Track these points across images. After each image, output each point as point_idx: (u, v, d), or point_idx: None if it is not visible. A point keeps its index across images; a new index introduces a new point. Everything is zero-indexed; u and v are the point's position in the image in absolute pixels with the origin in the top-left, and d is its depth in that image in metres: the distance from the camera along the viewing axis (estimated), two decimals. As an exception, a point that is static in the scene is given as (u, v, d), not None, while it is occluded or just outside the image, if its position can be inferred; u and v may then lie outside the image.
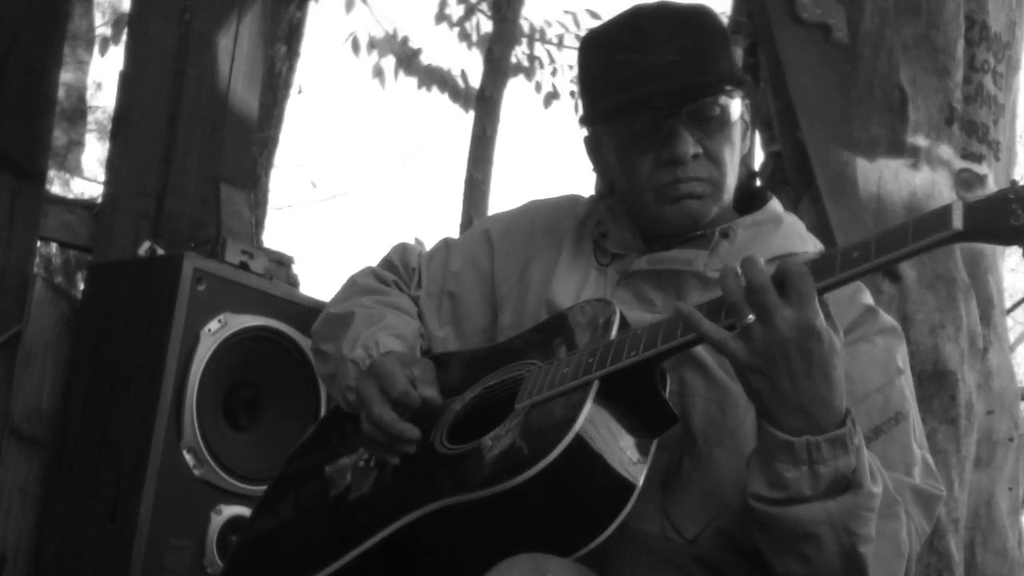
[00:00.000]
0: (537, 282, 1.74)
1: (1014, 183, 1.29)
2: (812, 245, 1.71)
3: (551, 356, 1.57)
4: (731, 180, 1.66)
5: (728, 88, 1.62)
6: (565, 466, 1.36)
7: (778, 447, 1.35)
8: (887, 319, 1.63)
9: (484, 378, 1.65)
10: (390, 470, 1.60)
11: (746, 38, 3.03)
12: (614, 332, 1.51)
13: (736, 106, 1.65)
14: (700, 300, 1.50)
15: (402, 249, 1.96)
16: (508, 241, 1.83)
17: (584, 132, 1.75)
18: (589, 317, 1.59)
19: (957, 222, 1.26)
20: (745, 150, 1.71)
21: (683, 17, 1.62)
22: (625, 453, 1.41)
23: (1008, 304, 5.53)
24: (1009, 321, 4.21)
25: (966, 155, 3.04)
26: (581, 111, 1.74)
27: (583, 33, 6.38)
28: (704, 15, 1.65)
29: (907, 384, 1.59)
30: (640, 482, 1.39)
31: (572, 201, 1.86)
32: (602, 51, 1.66)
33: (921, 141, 2.90)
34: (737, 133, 1.66)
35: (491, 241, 1.85)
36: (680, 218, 1.63)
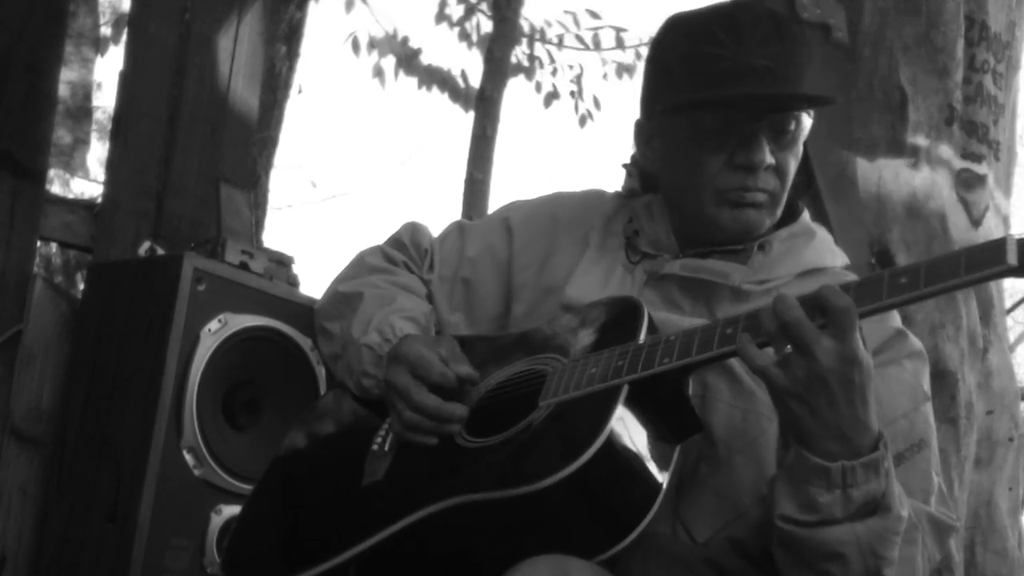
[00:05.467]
0: (557, 275, 1.71)
1: None
2: (841, 259, 1.70)
3: (574, 352, 1.54)
4: (786, 196, 1.64)
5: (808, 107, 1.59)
6: (593, 469, 1.34)
7: (812, 471, 1.33)
8: (915, 342, 1.60)
9: (501, 369, 1.62)
10: (406, 457, 1.57)
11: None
12: (643, 335, 1.48)
13: (808, 124, 1.61)
14: (730, 312, 1.48)
15: (412, 228, 1.91)
16: (528, 231, 1.79)
17: (639, 117, 1.68)
18: (615, 315, 1.56)
19: (1011, 257, 1.22)
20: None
21: (778, 23, 1.57)
22: (651, 458, 1.39)
23: (1008, 304, 5.53)
24: (1009, 321, 4.21)
25: (966, 155, 3.04)
26: (649, 95, 1.66)
27: (583, 33, 6.40)
28: (797, 24, 1.62)
29: (930, 410, 1.57)
30: (664, 487, 1.38)
31: (598, 195, 1.81)
32: (690, 39, 1.58)
33: (921, 141, 2.90)
34: (800, 150, 1.63)
35: (510, 229, 1.80)
36: (736, 225, 1.60)
